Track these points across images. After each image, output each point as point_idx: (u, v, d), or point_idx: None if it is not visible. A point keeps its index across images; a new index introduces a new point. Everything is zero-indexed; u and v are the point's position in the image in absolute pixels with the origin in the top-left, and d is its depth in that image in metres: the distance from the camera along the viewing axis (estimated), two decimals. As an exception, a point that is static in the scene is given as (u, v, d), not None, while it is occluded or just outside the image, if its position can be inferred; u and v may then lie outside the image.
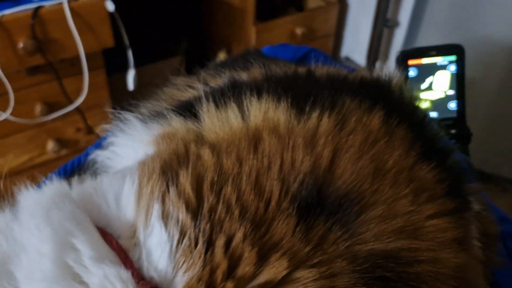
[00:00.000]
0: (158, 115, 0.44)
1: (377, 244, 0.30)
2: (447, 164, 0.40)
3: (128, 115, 0.47)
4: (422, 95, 0.69)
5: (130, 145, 0.43)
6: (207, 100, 0.41)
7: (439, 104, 0.70)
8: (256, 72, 0.50)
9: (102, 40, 1.33)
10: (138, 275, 0.29)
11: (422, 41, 1.69)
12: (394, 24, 1.72)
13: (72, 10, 1.23)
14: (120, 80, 1.56)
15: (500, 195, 1.59)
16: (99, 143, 0.60)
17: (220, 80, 0.50)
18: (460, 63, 0.69)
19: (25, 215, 0.32)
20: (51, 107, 1.40)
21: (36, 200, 0.33)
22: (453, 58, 0.69)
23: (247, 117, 0.39)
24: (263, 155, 0.34)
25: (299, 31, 1.79)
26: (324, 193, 0.32)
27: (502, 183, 1.60)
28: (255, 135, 0.36)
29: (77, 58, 1.33)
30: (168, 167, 0.34)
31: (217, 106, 0.41)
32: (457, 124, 0.70)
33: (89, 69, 1.36)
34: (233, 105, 0.40)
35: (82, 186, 0.36)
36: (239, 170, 0.33)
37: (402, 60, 0.68)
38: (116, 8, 1.31)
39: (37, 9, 1.20)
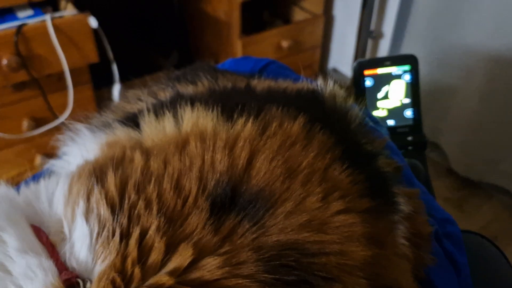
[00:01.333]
0: (105, 125, 0.48)
1: (281, 236, 0.32)
2: (370, 167, 0.41)
3: (79, 125, 0.50)
4: (379, 104, 0.71)
5: (79, 154, 0.45)
6: (148, 111, 0.44)
7: (395, 112, 0.71)
8: (202, 85, 0.53)
9: (86, 55, 1.36)
10: (62, 265, 0.32)
11: (406, 51, 1.71)
12: (378, 35, 1.74)
13: (55, 26, 1.26)
14: (108, 94, 1.59)
15: (486, 202, 1.59)
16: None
17: (168, 93, 0.52)
18: (414, 72, 0.70)
19: None
20: (38, 122, 1.43)
21: None
22: (407, 67, 0.70)
23: (180, 125, 0.41)
24: (186, 157, 0.37)
25: (285, 43, 1.81)
26: (237, 191, 0.34)
27: (488, 190, 1.61)
28: (184, 140, 0.39)
29: (63, 74, 1.36)
30: (98, 170, 0.37)
31: (156, 116, 0.43)
32: (413, 131, 0.71)
33: (75, 84, 1.39)
34: (169, 114, 0.43)
35: (26, 190, 0.39)
36: (163, 171, 0.36)
37: (359, 71, 0.69)
38: (103, 23, 1.34)
39: (20, 26, 1.23)
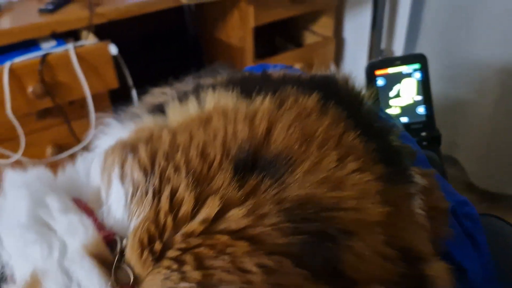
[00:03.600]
0: (133, 116, 0.51)
1: (301, 191, 0.35)
2: (382, 139, 0.44)
3: (108, 119, 0.54)
4: (392, 102, 0.73)
5: (110, 144, 0.48)
6: (173, 99, 0.48)
7: (408, 110, 0.73)
8: (221, 77, 0.56)
9: (107, 82, 1.42)
10: (100, 225, 0.35)
11: (418, 68, 1.74)
12: (389, 54, 1.78)
13: (78, 55, 1.32)
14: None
15: (508, 213, 1.57)
16: None
17: (187, 87, 0.56)
18: (424, 70, 0.73)
19: (9, 187, 0.39)
20: (61, 148, 1.47)
21: (19, 176, 0.40)
22: (417, 66, 0.73)
23: (203, 106, 0.45)
24: (210, 130, 0.40)
25: (298, 66, 1.85)
26: (258, 155, 0.37)
27: (509, 202, 1.59)
28: (207, 116, 0.42)
29: (84, 100, 1.41)
30: (130, 145, 0.40)
31: (180, 102, 0.47)
32: (426, 127, 0.73)
33: (96, 110, 1.44)
34: (193, 98, 0.46)
35: (64, 170, 0.43)
36: (189, 143, 0.39)
37: (370, 71, 0.72)
38: (120, 50, 1.40)
39: (45, 55, 1.29)
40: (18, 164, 1.39)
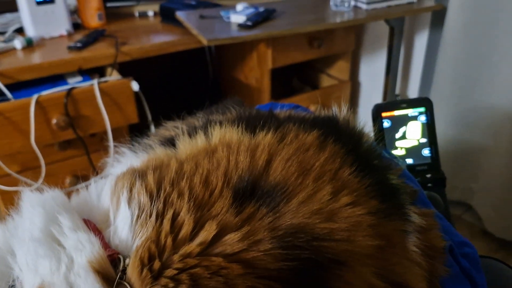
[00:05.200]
0: (146, 147, 0.55)
1: (294, 220, 0.37)
2: (379, 175, 0.45)
3: (123, 148, 0.57)
4: (397, 143, 0.75)
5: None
6: (183, 133, 0.51)
7: (413, 151, 0.75)
8: (231, 114, 0.59)
9: (127, 116, 1.47)
10: (106, 244, 0.38)
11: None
12: (404, 97, 1.80)
13: (101, 90, 1.39)
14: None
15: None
16: None
17: (201, 122, 0.59)
18: (429, 113, 0.75)
19: (25, 206, 0.42)
20: (79, 179, 1.52)
21: (35, 196, 0.43)
22: (422, 109, 0.75)
23: (209, 139, 0.48)
24: (214, 160, 0.43)
25: (313, 108, 1.89)
26: (257, 185, 0.40)
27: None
28: (212, 148, 0.45)
29: (105, 133, 1.46)
30: (139, 171, 0.44)
31: (190, 136, 0.50)
32: (431, 169, 0.74)
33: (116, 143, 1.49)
34: (201, 133, 0.49)
35: (78, 193, 0.46)
36: (195, 171, 0.42)
37: (376, 113, 0.75)
38: (141, 87, 1.46)
39: (70, 89, 1.36)
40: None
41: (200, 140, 0.48)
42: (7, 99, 1.35)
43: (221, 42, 1.50)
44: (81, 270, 0.35)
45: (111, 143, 1.47)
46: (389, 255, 0.40)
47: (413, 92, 1.77)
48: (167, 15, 1.77)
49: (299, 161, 0.42)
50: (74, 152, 1.50)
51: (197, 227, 0.36)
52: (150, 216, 0.38)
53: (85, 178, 1.52)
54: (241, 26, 1.53)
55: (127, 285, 0.35)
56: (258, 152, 0.42)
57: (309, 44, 1.76)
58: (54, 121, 1.35)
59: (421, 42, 1.71)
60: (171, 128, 0.61)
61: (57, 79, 1.47)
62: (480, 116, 1.57)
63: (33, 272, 0.37)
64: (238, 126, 0.47)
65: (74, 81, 1.47)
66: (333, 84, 1.96)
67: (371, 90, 1.96)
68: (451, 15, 1.53)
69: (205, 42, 1.45)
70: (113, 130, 1.46)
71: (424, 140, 0.74)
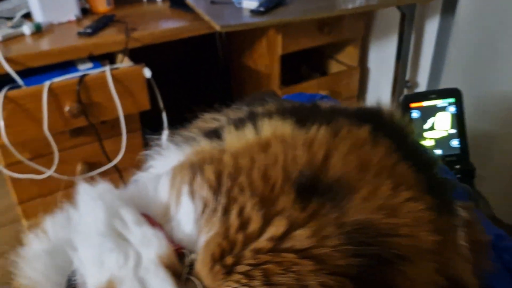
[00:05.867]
0: (189, 139, 0.54)
1: (359, 216, 0.37)
2: (429, 171, 0.46)
3: (164, 141, 0.57)
4: (426, 134, 0.75)
5: (166, 166, 0.51)
6: (229, 125, 0.50)
7: (442, 142, 0.75)
8: (269, 106, 0.59)
9: (139, 103, 1.46)
10: (169, 238, 0.37)
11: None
12: (414, 84, 1.80)
13: (113, 76, 1.37)
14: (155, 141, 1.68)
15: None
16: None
17: (239, 114, 0.59)
18: (458, 104, 0.75)
19: (81, 201, 0.42)
20: (90, 166, 1.52)
21: (91, 190, 0.42)
22: (451, 100, 0.75)
23: (260, 132, 0.47)
24: (270, 155, 0.42)
25: (323, 93, 1.89)
26: (318, 180, 0.39)
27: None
28: (266, 142, 0.45)
29: (116, 120, 1.46)
30: (196, 165, 0.43)
31: (236, 128, 0.50)
32: (460, 160, 0.74)
33: (127, 131, 1.48)
34: (249, 125, 0.49)
35: (126, 188, 0.46)
36: (251, 166, 0.41)
37: (405, 104, 0.75)
38: (154, 74, 1.45)
39: (83, 76, 1.35)
40: (50, 180, 1.43)
41: (249, 132, 0.48)
42: (19, 86, 1.33)
43: (234, 28, 1.49)
44: (151, 265, 0.35)
45: (123, 130, 1.46)
46: (445, 250, 0.40)
47: (423, 79, 1.77)
48: (175, 0, 1.75)
49: (358, 156, 0.42)
50: (85, 139, 1.50)
51: (265, 222, 0.36)
52: (215, 211, 0.37)
53: (96, 165, 1.52)
54: (254, 12, 1.52)
55: (196, 280, 0.35)
56: (315, 147, 0.42)
57: (319, 30, 1.75)
58: (67, 108, 1.34)
59: (431, 28, 1.70)
60: (209, 120, 0.61)
61: (67, 65, 1.45)
62: (490, 104, 1.57)
63: (98, 267, 0.36)
64: (287, 120, 0.47)
65: (85, 68, 1.45)
66: (342, 70, 1.95)
67: (380, 77, 1.95)
68: (463, 1, 1.51)
69: (218, 28, 1.43)
70: (124, 118, 1.45)
71: (453, 131, 0.75)
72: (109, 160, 1.51)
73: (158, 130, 1.61)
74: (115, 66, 1.42)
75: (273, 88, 1.82)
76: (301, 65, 2.05)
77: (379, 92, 1.97)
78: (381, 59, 1.92)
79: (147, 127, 1.59)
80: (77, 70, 1.44)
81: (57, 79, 1.34)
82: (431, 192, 0.43)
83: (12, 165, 1.38)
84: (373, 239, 0.36)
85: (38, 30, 1.51)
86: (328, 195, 0.38)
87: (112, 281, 0.35)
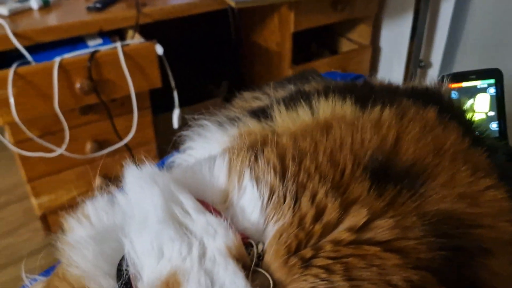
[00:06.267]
0: (233, 119, 0.51)
1: (440, 205, 0.35)
2: (495, 157, 0.44)
3: (205, 121, 0.53)
4: (464, 116, 0.73)
5: (207, 147, 0.48)
6: (278, 104, 0.47)
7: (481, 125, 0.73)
8: (317, 83, 0.56)
9: (151, 81, 1.43)
10: (234, 228, 0.34)
11: (455, 80, 1.73)
12: (427, 64, 1.77)
13: (125, 53, 1.34)
14: (163, 121, 1.65)
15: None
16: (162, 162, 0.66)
17: (283, 92, 0.56)
18: (499, 86, 0.72)
19: (131, 185, 0.38)
20: (100, 145, 1.49)
21: (139, 173, 0.39)
22: (492, 81, 0.72)
23: (316, 113, 0.45)
24: (334, 138, 0.39)
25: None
26: (391, 165, 0.37)
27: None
28: (326, 124, 0.42)
29: (127, 98, 1.42)
30: (253, 147, 0.40)
31: (287, 108, 0.47)
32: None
33: (138, 109, 1.45)
34: (303, 104, 0.46)
35: (172, 171, 0.42)
36: (315, 149, 0.38)
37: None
38: (165, 52, 1.41)
39: (94, 53, 1.31)
40: (59, 157, 1.40)
41: (303, 112, 0.45)
42: (28, 62, 1.29)
43: (249, 4, 1.45)
44: (218, 256, 0.32)
45: (134, 107, 1.43)
46: None
47: (436, 58, 1.74)
48: (186, -26, 1.69)
49: (430, 140, 0.39)
50: (95, 117, 1.46)
51: (343, 211, 0.34)
52: (284, 199, 0.35)
53: (106, 143, 1.49)
54: (268, -12, 1.47)
55: (265, 273, 0.33)
56: (383, 129, 0.40)
57: (332, 7, 1.71)
58: (77, 85, 1.30)
59: (447, 7, 1.66)
60: (250, 99, 0.58)
61: (76, 41, 1.41)
62: (509, 84, 1.55)
63: (157, 257, 0.33)
64: (345, 99, 0.44)
65: (95, 44, 1.41)
66: (353, 49, 1.92)
67: (392, 56, 1.92)
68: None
69: (233, 4, 1.39)
70: (135, 95, 1.41)
71: (492, 113, 0.72)
72: (120, 138, 1.48)
73: (166, 109, 1.58)
74: (126, 42, 1.38)
75: (284, 66, 1.78)
76: (311, 43, 2.01)
77: (391, 71, 1.94)
78: (394, 37, 1.88)
79: (155, 105, 1.55)
80: (86, 46, 1.40)
81: (67, 55, 1.30)
82: (503, 179, 0.41)
83: (22, 142, 1.35)
84: (456, 230, 0.34)
85: (46, 5, 1.46)
86: (404, 182, 0.36)
87: (175, 273, 0.32)
